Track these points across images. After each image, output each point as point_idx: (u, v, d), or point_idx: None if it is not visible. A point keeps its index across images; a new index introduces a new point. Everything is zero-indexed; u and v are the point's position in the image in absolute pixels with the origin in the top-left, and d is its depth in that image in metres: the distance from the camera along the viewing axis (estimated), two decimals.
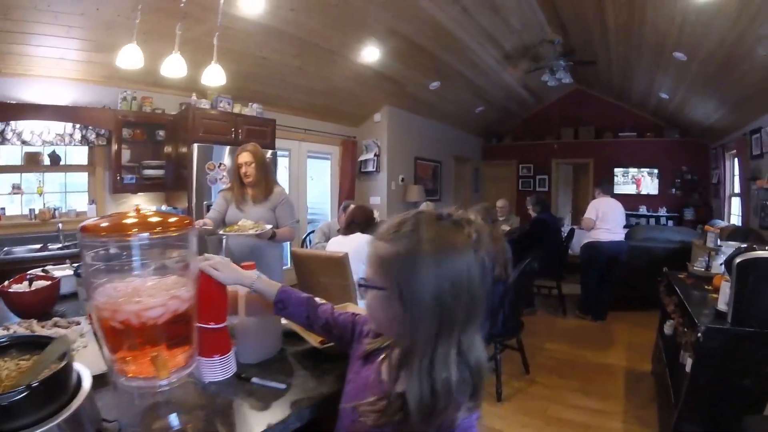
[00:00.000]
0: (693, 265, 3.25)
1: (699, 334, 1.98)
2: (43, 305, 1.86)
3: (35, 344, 0.92)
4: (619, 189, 9.70)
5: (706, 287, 2.72)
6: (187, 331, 1.14)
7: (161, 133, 4.90)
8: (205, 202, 4.58)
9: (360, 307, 1.71)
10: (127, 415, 1.05)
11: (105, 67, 4.27)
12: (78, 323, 1.55)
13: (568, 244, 5.77)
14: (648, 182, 9.64)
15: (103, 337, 1.06)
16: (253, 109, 5.41)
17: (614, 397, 3.30)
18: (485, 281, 0.88)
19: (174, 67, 3.43)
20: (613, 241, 5.06)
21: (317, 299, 1.39)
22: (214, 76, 3.67)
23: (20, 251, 3.87)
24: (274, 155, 5.39)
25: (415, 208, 0.99)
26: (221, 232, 3.00)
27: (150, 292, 1.06)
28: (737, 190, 6.87)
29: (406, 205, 7.79)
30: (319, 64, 5.57)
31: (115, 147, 4.53)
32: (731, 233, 4.50)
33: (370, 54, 5.58)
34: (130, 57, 3.25)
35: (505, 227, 5.90)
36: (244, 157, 3.16)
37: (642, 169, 9.68)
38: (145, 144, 4.84)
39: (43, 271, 2.15)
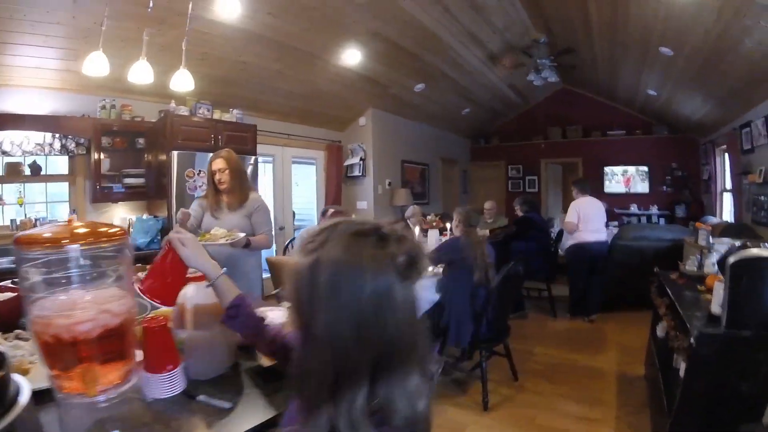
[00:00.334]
0: (685, 264, 3.15)
1: (692, 340, 1.87)
2: (9, 317, 1.76)
3: None
4: (609, 188, 9.67)
5: (698, 287, 2.62)
6: (122, 347, 1.11)
7: (141, 140, 4.81)
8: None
9: None
10: (71, 431, 1.04)
11: (83, 76, 4.10)
12: None
13: (557, 245, 5.67)
14: (638, 180, 9.57)
15: (39, 352, 1.05)
16: (233, 115, 5.29)
17: (605, 403, 3.19)
18: (409, 312, 0.73)
19: (141, 73, 3.37)
20: (598, 241, 5.06)
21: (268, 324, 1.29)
22: (183, 81, 3.59)
23: (3, 262, 3.75)
24: (256, 161, 5.29)
25: (388, 219, 0.87)
26: None
27: (84, 306, 1.04)
28: (729, 185, 6.82)
29: (393, 210, 7.68)
30: (300, 68, 5.46)
31: (95, 156, 4.45)
32: (724, 230, 4.44)
33: (352, 56, 5.48)
34: (96, 64, 3.19)
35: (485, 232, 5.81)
36: (218, 163, 3.06)
37: (631, 167, 9.60)
38: (125, 152, 4.74)
39: (12, 282, 2.06)
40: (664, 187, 9.29)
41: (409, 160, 8.63)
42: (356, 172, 7.53)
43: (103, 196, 4.57)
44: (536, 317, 5.22)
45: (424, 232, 5.09)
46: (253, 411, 1.21)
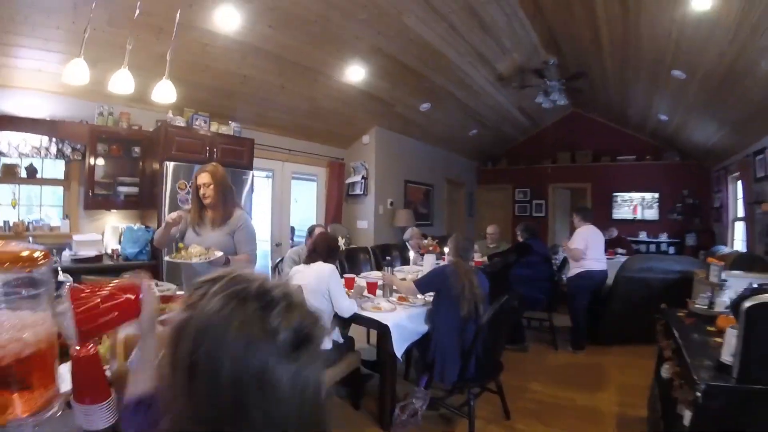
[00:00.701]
0: (694, 301, 2.92)
1: (698, 394, 1.66)
2: None
3: None
4: (617, 214, 9.43)
5: (707, 328, 2.40)
6: (37, 378, 1.06)
7: (137, 149, 4.76)
8: None
9: None
10: None
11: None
12: None
13: (561, 274, 5.46)
14: (643, 208, 9.32)
15: None
16: (231, 128, 5.20)
17: None
18: (303, 401, 0.57)
19: (121, 82, 3.31)
20: (602, 270, 4.98)
21: None
22: (165, 92, 3.52)
23: None
24: (252, 176, 5.18)
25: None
26: (167, 258, 2.79)
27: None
28: (741, 214, 6.59)
29: (394, 230, 7.51)
30: (302, 83, 5.38)
31: (89, 162, 4.40)
32: (735, 261, 4.24)
33: (355, 73, 5.39)
34: (76, 71, 3.12)
35: (483, 257, 5.62)
36: (203, 177, 2.94)
37: (638, 195, 9.37)
38: (121, 160, 4.70)
39: None
40: (675, 215, 9.02)
41: (412, 180, 8.47)
42: (357, 191, 7.38)
43: (95, 203, 4.51)
44: (536, 349, 4.95)
45: (421, 256, 4.90)
46: None
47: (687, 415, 1.86)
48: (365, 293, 3.44)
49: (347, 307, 2.93)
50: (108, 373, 1.25)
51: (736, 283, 2.71)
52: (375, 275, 4.23)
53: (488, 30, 5.27)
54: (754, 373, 1.66)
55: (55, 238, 4.34)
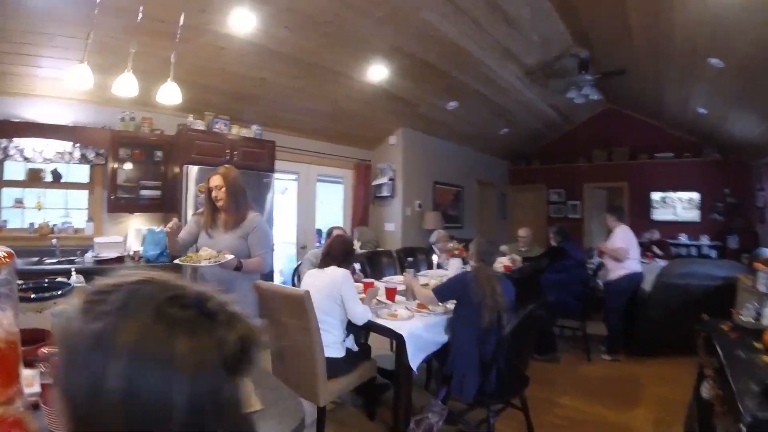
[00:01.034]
0: (739, 312, 2.66)
1: (742, 426, 1.45)
2: None
3: None
4: (656, 215, 8.99)
5: (754, 344, 2.16)
6: None
7: (159, 153, 4.85)
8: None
9: None
10: None
11: (103, 88, 4.16)
12: None
13: (596, 279, 5.18)
14: (683, 209, 8.86)
15: None
16: (252, 131, 5.17)
17: None
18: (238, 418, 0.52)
19: (125, 86, 3.38)
20: (641, 271, 4.79)
21: None
22: (169, 94, 3.54)
23: (18, 263, 3.70)
24: (272, 179, 5.14)
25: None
26: (177, 261, 2.80)
27: None
28: None
29: (422, 233, 7.33)
30: (322, 85, 5.30)
31: (111, 166, 4.50)
32: None
33: (376, 73, 5.26)
34: (79, 77, 3.19)
35: (511, 259, 5.38)
36: (215, 180, 2.91)
37: (676, 193, 8.90)
38: (143, 164, 4.79)
39: None
40: (716, 215, 8.48)
41: (441, 182, 8.28)
42: (385, 193, 7.25)
43: (118, 206, 4.62)
44: (568, 359, 4.66)
45: (446, 260, 4.70)
46: None
47: None
48: (381, 298, 3.30)
49: (360, 313, 2.80)
50: None
51: None
52: (396, 280, 4.09)
53: (512, 23, 5.03)
54: None
55: (80, 240, 4.46)
